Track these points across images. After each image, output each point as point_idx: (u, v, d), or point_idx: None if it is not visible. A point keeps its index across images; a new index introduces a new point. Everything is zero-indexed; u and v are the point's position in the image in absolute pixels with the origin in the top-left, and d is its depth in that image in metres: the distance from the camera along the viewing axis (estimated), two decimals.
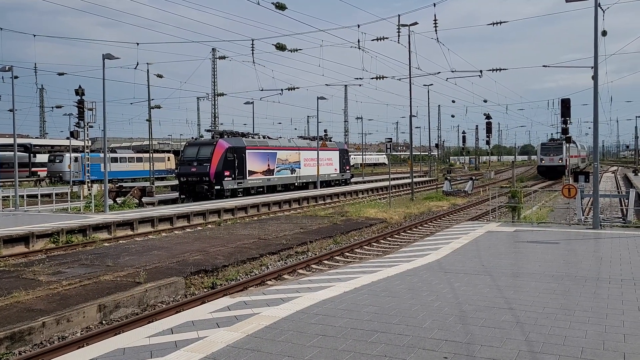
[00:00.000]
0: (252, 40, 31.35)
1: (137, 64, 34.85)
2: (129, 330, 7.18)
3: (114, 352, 5.84)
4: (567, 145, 49.85)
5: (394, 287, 8.67)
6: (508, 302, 7.59)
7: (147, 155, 50.80)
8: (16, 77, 25.80)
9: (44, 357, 7.65)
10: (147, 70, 41.74)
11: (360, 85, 44.86)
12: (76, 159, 45.60)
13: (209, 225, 22.05)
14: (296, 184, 37.87)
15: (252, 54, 30.78)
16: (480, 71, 33.50)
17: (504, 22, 26.73)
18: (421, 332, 6.28)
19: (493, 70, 33.30)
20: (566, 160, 50.30)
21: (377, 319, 6.86)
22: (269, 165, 34.79)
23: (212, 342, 6.04)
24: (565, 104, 24.42)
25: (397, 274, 9.72)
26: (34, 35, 30.12)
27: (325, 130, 52.00)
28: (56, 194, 28.27)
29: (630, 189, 23.03)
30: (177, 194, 32.18)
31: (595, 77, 15.73)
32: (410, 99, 35.36)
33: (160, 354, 5.72)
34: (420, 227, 21.44)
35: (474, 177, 45.61)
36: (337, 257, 15.29)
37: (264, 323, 6.72)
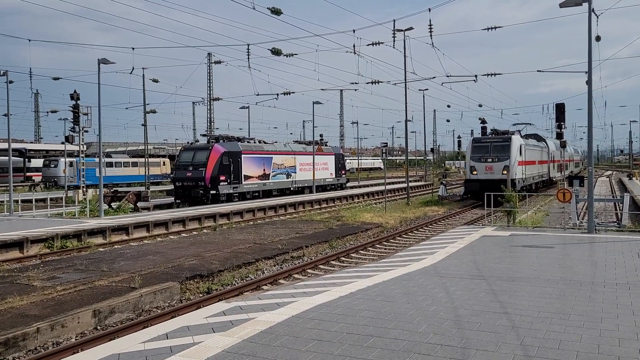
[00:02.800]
0: (248, 45, 31.42)
1: (133, 69, 34.81)
2: (124, 336, 7.15)
3: (108, 357, 5.81)
4: (522, 144, 31.97)
5: (389, 291, 8.67)
6: (503, 307, 7.60)
7: (142, 159, 50.70)
8: (11, 82, 25.72)
9: None
10: (143, 74, 41.77)
11: (355, 90, 44.94)
12: (71, 164, 45.46)
13: (205, 230, 22.00)
14: (292, 189, 37.85)
15: (248, 58, 30.86)
16: (475, 76, 33.66)
17: (498, 27, 26.90)
18: (417, 336, 6.28)
19: (488, 75, 33.42)
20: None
21: (372, 323, 6.85)
22: (264, 169, 34.77)
23: (207, 347, 6.02)
24: (560, 109, 24.49)
25: (392, 279, 9.72)
26: (29, 40, 30.07)
27: (320, 135, 52.05)
28: (51, 199, 28.16)
29: (625, 194, 23.16)
30: (173, 198, 32.11)
31: (589, 82, 15.80)
32: (406, 103, 35.55)
33: (156, 359, 5.70)
34: (416, 232, 21.46)
35: None
36: (332, 262, 15.28)
37: (259, 328, 6.71)
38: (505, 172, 29.72)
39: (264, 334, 6.48)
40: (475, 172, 30.72)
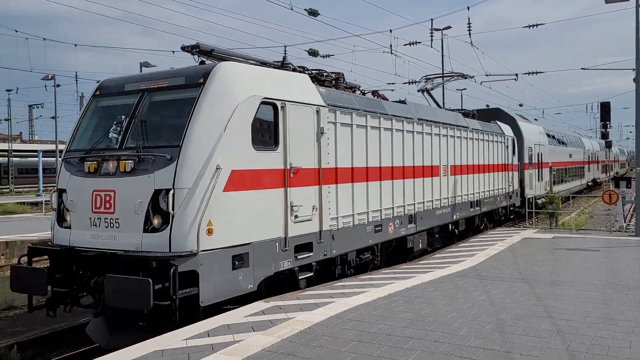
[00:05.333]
0: (285, 46, 31.67)
1: None
2: (167, 333, 7.28)
3: (152, 354, 5.94)
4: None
5: (428, 293, 8.58)
6: (547, 311, 7.41)
7: None
8: (58, 86, 26.69)
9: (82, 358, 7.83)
10: None
11: (392, 90, 44.53)
12: None
13: None
14: None
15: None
16: (516, 74, 32.86)
17: (540, 24, 26.23)
18: (458, 339, 6.19)
19: (529, 73, 32.58)
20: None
21: (412, 325, 6.79)
22: None
23: (247, 346, 6.08)
24: (605, 108, 23.72)
25: (431, 280, 9.61)
26: (75, 45, 31.18)
27: None
28: None
29: None
30: None
31: (636, 80, 15.27)
32: (444, 103, 35.02)
33: (198, 356, 5.79)
34: None
35: None
36: None
37: (298, 328, 6.74)
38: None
39: (303, 333, 6.50)
40: (67, 219, 7.73)
